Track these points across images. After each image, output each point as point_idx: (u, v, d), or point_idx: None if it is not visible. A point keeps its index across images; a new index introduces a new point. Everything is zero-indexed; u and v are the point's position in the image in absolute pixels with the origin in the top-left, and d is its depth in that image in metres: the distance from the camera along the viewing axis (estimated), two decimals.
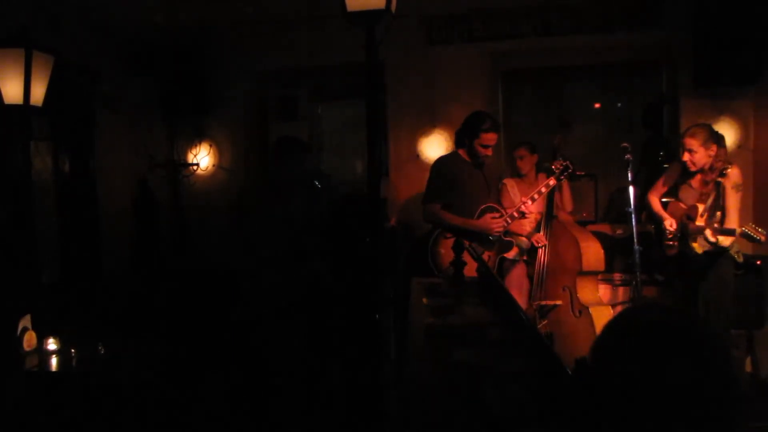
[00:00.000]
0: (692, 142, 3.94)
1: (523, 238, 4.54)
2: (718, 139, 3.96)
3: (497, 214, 4.20)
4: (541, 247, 4.44)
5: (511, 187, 4.76)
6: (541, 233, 4.45)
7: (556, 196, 4.51)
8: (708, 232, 3.88)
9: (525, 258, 4.66)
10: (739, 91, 4.83)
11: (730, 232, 3.80)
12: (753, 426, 3.35)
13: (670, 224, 4.08)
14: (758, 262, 4.44)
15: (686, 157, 3.98)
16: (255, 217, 4.35)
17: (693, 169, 4.01)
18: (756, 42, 4.53)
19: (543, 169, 4.79)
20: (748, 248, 4.50)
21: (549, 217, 4.47)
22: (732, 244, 4.05)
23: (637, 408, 1.08)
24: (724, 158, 3.97)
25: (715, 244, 3.89)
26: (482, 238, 4.18)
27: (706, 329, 1.14)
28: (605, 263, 4.57)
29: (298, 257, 4.22)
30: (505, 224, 4.19)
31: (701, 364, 1.09)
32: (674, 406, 1.06)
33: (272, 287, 4.15)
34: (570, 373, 1.50)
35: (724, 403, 1.08)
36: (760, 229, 3.67)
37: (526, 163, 4.77)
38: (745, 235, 3.70)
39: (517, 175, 4.83)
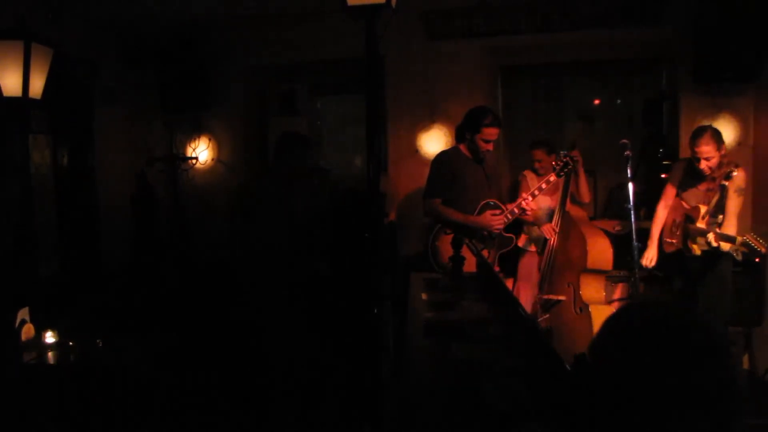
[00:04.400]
0: (708, 150, 3.90)
1: (534, 227, 4.54)
2: (721, 137, 3.97)
3: (497, 211, 4.18)
4: (549, 239, 4.44)
5: (531, 179, 4.75)
6: (552, 224, 4.44)
7: (572, 187, 4.48)
8: (711, 236, 3.86)
9: (534, 249, 4.66)
10: (739, 88, 4.83)
11: (731, 240, 3.79)
12: (750, 423, 3.36)
13: (672, 238, 4.07)
14: (756, 260, 4.44)
15: (702, 165, 3.95)
16: (255, 211, 4.34)
17: (709, 173, 3.99)
18: (756, 39, 4.52)
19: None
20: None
21: (562, 209, 4.44)
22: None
23: (635, 405, 1.08)
24: (728, 154, 4.01)
25: (716, 249, 3.90)
26: (482, 235, 4.18)
27: (705, 326, 1.14)
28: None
29: (297, 252, 4.22)
30: (506, 220, 4.19)
31: (700, 361, 1.09)
32: (672, 403, 1.06)
33: (272, 281, 4.14)
34: (568, 369, 1.51)
35: (722, 401, 1.08)
36: (761, 240, 3.66)
37: (544, 165, 4.72)
38: (745, 245, 3.69)
39: (535, 171, 4.81)
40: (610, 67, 5.61)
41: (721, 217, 3.88)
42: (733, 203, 3.92)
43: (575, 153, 4.27)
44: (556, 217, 4.45)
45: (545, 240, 4.48)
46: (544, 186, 4.21)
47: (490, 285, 3.12)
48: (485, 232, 4.19)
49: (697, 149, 3.94)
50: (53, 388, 3.21)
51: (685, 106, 5.03)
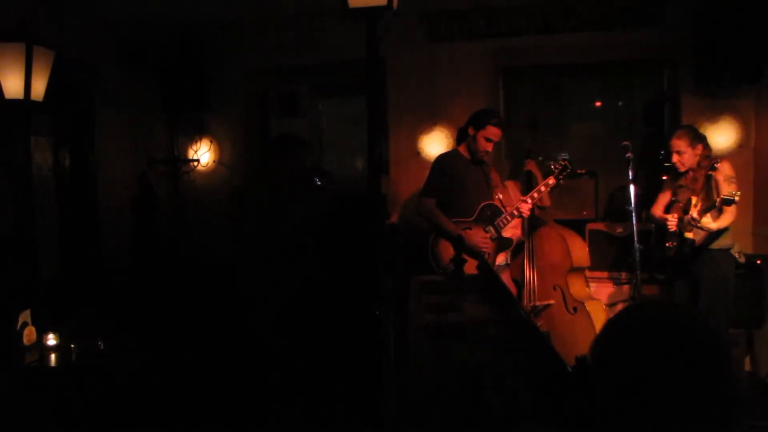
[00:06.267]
0: (679, 143, 4.08)
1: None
2: (702, 139, 4.13)
3: (487, 235, 4.16)
4: (522, 241, 4.48)
5: None
6: (520, 231, 4.51)
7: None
8: (693, 214, 3.91)
9: (509, 262, 4.65)
10: (740, 89, 4.82)
11: (710, 207, 3.86)
12: (751, 425, 3.36)
13: (672, 216, 4.11)
14: (758, 262, 4.44)
15: (675, 158, 4.11)
16: (253, 215, 4.34)
17: (682, 169, 4.12)
18: (757, 41, 4.52)
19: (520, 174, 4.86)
20: (749, 248, 4.51)
21: (531, 216, 4.49)
22: (733, 244, 4.07)
23: (637, 406, 1.08)
24: (710, 155, 4.11)
25: (702, 228, 3.91)
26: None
27: (707, 327, 1.14)
28: (606, 261, 4.59)
29: (297, 254, 4.22)
30: (494, 246, 4.19)
31: (701, 362, 1.09)
32: (673, 405, 1.06)
33: (271, 284, 4.15)
34: (570, 370, 1.51)
35: (723, 402, 1.08)
36: (734, 191, 3.72)
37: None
38: (724, 201, 3.73)
39: None
40: (610, 69, 5.59)
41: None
42: (728, 191, 3.95)
43: (530, 161, 4.35)
44: (525, 225, 4.56)
45: (517, 249, 4.51)
46: (543, 188, 4.23)
47: (490, 286, 3.12)
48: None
49: (670, 142, 4.13)
50: (54, 390, 3.21)
51: (686, 108, 5.03)
